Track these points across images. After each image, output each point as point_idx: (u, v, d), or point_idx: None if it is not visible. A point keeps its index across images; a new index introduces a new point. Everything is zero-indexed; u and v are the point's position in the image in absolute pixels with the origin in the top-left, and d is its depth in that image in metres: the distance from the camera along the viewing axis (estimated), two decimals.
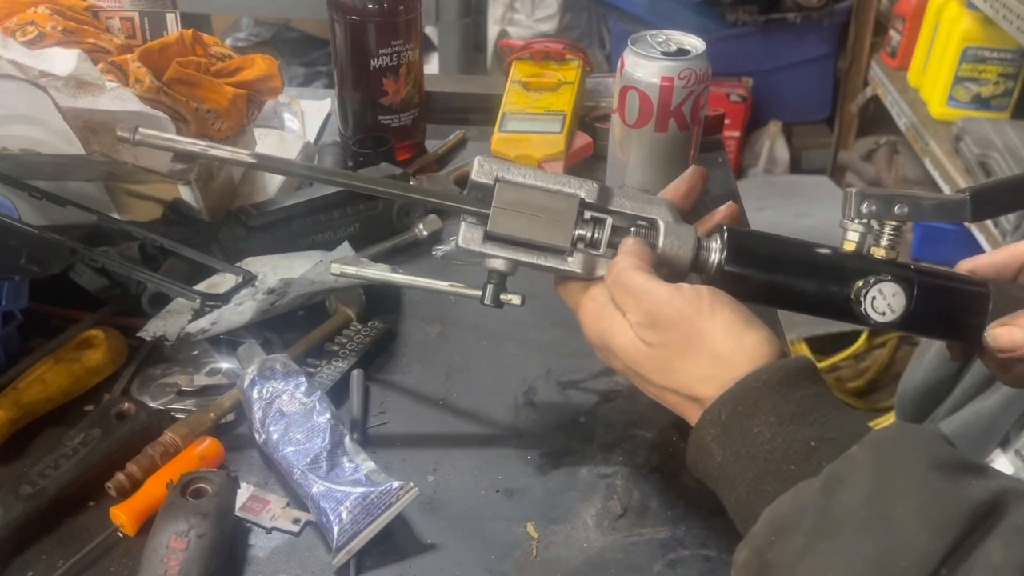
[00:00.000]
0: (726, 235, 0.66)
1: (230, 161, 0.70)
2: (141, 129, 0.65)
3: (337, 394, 0.83)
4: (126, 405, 0.77)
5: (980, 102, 2.33)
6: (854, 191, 0.66)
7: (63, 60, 0.85)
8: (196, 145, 0.67)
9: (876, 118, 2.93)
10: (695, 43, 1.03)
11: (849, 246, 0.67)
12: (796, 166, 3.13)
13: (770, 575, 0.52)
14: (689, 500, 0.74)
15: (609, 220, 0.66)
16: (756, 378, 0.58)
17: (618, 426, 0.82)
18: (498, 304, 0.68)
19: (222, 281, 0.86)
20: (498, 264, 0.67)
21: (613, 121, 1.08)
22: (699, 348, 0.60)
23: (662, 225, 0.66)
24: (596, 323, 0.65)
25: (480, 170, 0.67)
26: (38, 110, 0.80)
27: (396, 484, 0.70)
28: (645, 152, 1.06)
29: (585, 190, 0.66)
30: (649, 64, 1.01)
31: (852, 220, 0.66)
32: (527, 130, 1.16)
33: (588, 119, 1.24)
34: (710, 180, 0.73)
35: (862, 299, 0.65)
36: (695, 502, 0.74)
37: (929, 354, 1.02)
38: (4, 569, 0.68)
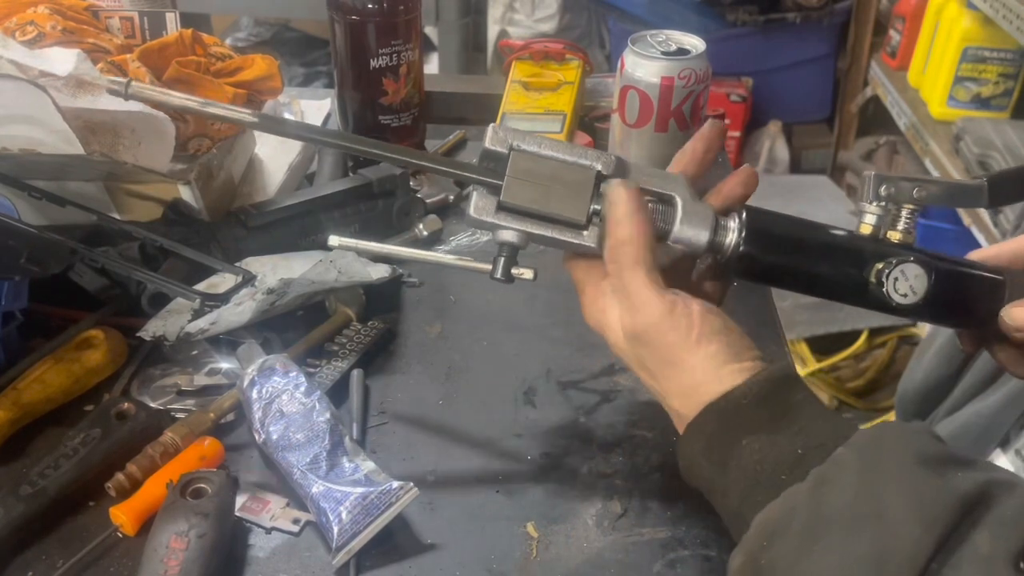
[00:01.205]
0: (744, 215, 0.65)
1: (228, 119, 0.65)
2: (134, 83, 0.63)
3: (337, 394, 0.83)
4: (126, 405, 0.77)
5: (980, 102, 2.33)
6: (872, 174, 0.66)
7: (63, 60, 0.85)
8: (193, 101, 0.65)
9: (876, 118, 2.94)
10: (695, 43, 1.03)
11: (865, 229, 0.66)
12: (796, 166, 3.13)
13: None
14: (689, 500, 0.74)
15: None
16: (740, 391, 0.58)
17: (618, 426, 0.82)
18: (509, 278, 0.64)
19: (222, 281, 0.86)
20: (510, 236, 0.63)
21: (613, 121, 1.08)
22: (676, 371, 0.60)
23: (679, 202, 0.64)
24: (592, 305, 0.65)
25: (494, 137, 0.64)
26: (38, 110, 0.80)
27: (396, 484, 0.70)
28: (645, 152, 1.06)
29: (602, 163, 0.64)
30: (649, 64, 1.01)
31: (870, 203, 0.66)
32: (527, 130, 1.15)
33: (588, 119, 1.24)
34: (709, 179, 0.71)
35: (884, 280, 0.64)
36: (695, 502, 0.73)
37: (929, 354, 1.02)
38: (4, 569, 0.67)
